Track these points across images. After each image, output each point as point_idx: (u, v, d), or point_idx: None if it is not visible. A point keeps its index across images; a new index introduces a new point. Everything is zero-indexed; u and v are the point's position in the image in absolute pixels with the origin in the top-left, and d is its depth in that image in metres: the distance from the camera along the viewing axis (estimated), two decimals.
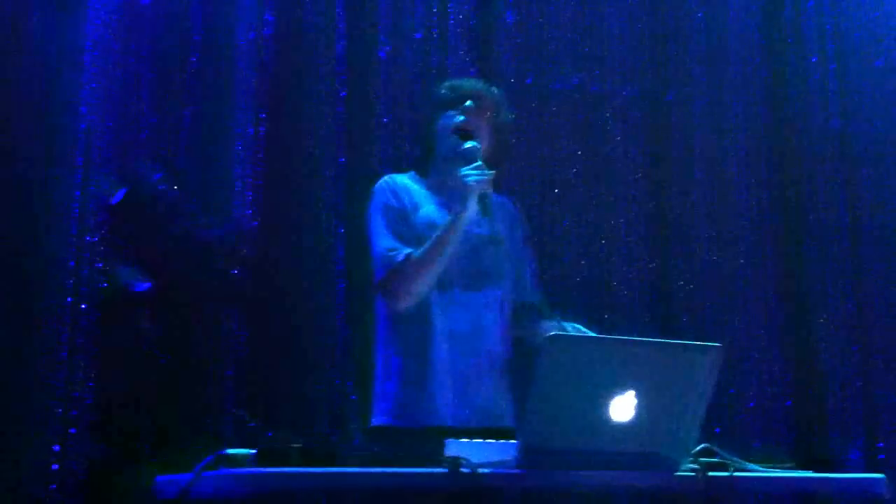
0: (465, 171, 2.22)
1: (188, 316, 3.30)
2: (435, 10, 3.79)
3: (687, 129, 4.19)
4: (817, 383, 4.14)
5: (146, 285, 3.14)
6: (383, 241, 2.28)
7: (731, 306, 4.09)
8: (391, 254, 2.25)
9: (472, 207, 2.21)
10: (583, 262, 3.87)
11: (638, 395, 1.64)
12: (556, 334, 1.65)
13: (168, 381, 3.18)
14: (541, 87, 3.98)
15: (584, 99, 4.05)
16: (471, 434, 2.00)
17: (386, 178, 2.40)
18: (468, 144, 2.28)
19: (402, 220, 2.31)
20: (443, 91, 2.42)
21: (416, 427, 2.23)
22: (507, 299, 2.37)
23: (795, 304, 4.19)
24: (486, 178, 2.21)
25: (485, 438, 1.76)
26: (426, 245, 2.23)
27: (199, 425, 3.15)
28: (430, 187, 2.40)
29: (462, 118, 2.31)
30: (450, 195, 2.30)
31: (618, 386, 1.64)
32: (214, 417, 3.23)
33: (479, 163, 2.24)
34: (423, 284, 2.23)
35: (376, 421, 2.31)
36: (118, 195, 3.17)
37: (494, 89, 2.45)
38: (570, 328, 2.28)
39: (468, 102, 2.32)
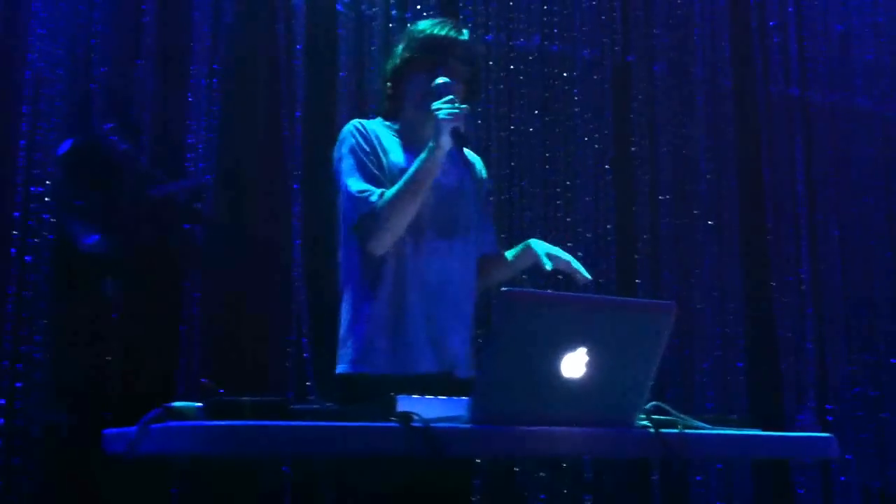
0: (438, 104, 2.16)
1: (142, 273, 3.24)
2: None
3: (648, 90, 4.19)
4: (770, 346, 4.20)
5: (94, 238, 3.07)
6: (356, 184, 2.22)
7: (689, 270, 4.13)
8: (365, 195, 2.20)
9: (447, 142, 2.15)
10: (542, 224, 3.87)
11: (590, 353, 1.63)
12: (508, 290, 1.62)
13: (125, 341, 3.13)
14: (502, 46, 3.95)
15: (546, 58, 4.02)
16: (442, 384, 1.98)
17: (355, 122, 2.33)
18: (440, 80, 2.22)
19: (374, 162, 2.26)
20: (418, 42, 2.31)
21: (384, 374, 2.20)
22: (474, 251, 2.35)
23: (751, 267, 4.24)
24: (459, 111, 2.16)
25: (449, 390, 1.73)
26: (400, 183, 2.18)
27: (157, 385, 3.12)
28: (399, 134, 2.33)
29: (442, 84, 2.22)
30: (420, 144, 2.23)
31: (570, 343, 1.63)
32: (169, 376, 3.19)
33: (452, 97, 2.18)
34: (399, 224, 2.18)
35: (342, 369, 2.27)
36: (65, 146, 3.09)
37: (466, 36, 2.35)
38: (539, 248, 2.28)
39: (442, 79, 2.22)
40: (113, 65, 3.30)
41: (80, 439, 2.96)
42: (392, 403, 1.61)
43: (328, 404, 1.69)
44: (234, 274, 3.38)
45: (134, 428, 1.56)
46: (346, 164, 2.27)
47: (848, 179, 4.47)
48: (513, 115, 3.91)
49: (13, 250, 2.99)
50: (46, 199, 3.06)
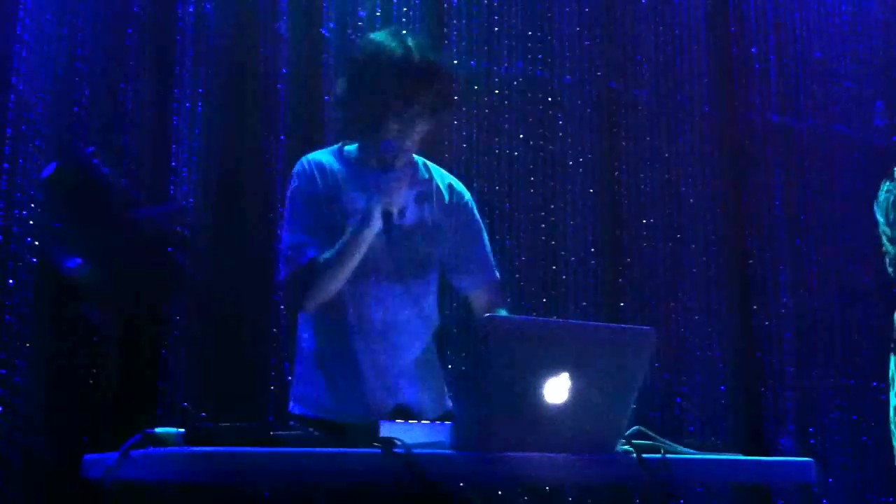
0: (375, 179, 2.09)
1: (124, 296, 3.23)
2: None
3: (633, 117, 4.22)
4: (752, 370, 4.22)
5: (77, 261, 3.06)
6: (290, 236, 2.16)
7: (671, 294, 4.14)
8: (293, 252, 2.14)
9: (377, 223, 2.08)
10: (525, 248, 3.88)
11: (572, 378, 1.64)
12: (491, 316, 1.63)
13: (105, 364, 3.11)
14: (486, 72, 3.97)
15: (531, 85, 4.05)
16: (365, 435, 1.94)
17: (305, 159, 2.24)
18: (386, 145, 2.11)
19: (317, 208, 2.17)
20: (366, 61, 2.15)
21: (324, 419, 2.15)
22: (433, 290, 2.27)
23: (733, 291, 4.26)
24: (394, 187, 2.07)
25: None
26: (328, 255, 2.10)
27: (136, 410, 3.09)
28: (353, 165, 2.23)
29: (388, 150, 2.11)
30: (374, 178, 2.14)
31: (552, 369, 1.64)
32: (151, 400, 3.17)
33: (393, 169, 2.09)
34: (322, 292, 2.12)
35: (292, 408, 2.25)
36: (49, 169, 3.08)
37: (418, 50, 2.14)
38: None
39: (386, 141, 2.09)
40: (97, 88, 3.30)
41: (59, 464, 2.93)
42: (375, 429, 1.61)
43: (310, 429, 1.69)
44: (217, 297, 3.36)
45: (114, 454, 1.56)
46: (287, 209, 2.20)
47: (828, 205, 4.51)
48: (496, 140, 3.93)
49: None
50: (30, 222, 3.04)
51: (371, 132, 2.16)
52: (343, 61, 2.42)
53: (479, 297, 2.31)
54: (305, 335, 2.25)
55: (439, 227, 2.27)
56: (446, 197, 2.31)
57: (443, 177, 2.35)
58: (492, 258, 2.35)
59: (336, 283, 2.12)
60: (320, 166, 2.23)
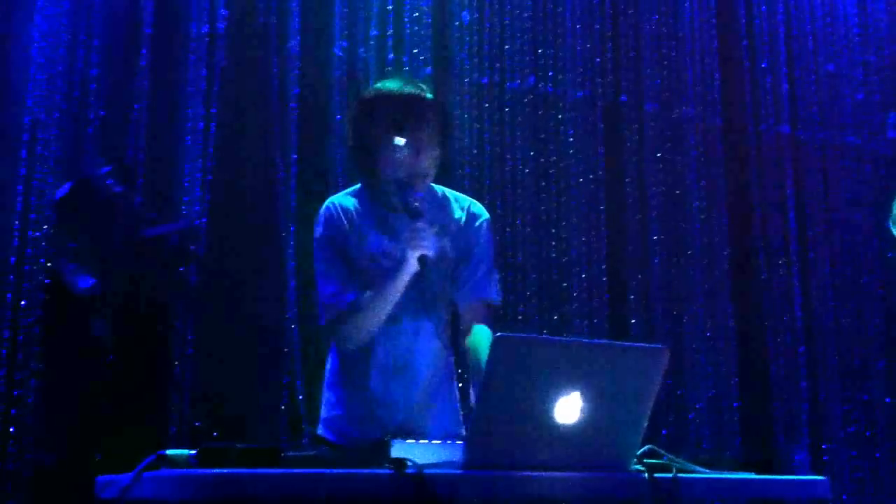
0: (406, 233, 2.16)
1: (136, 314, 3.25)
2: (390, 8, 3.78)
3: (640, 131, 4.22)
4: (764, 386, 4.20)
5: (91, 282, 3.08)
6: (327, 286, 2.25)
7: (681, 310, 4.13)
8: (333, 301, 2.23)
9: (412, 267, 2.16)
10: (535, 264, 3.88)
11: (584, 397, 1.64)
12: (502, 335, 1.63)
13: (116, 383, 3.13)
14: (496, 87, 3.99)
15: (539, 99, 4.06)
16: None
17: (330, 203, 2.32)
18: (396, 141, 2.19)
19: (345, 254, 2.26)
20: (381, 110, 2.24)
21: (340, 445, 2.24)
22: (444, 320, 2.34)
23: (744, 308, 4.25)
24: (425, 240, 2.15)
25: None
26: (367, 298, 2.20)
27: (147, 427, 3.11)
28: (375, 207, 2.32)
29: (404, 167, 2.19)
30: (395, 219, 2.26)
31: (564, 387, 1.64)
32: (162, 419, 3.18)
33: (420, 222, 2.16)
34: (366, 330, 2.22)
35: (320, 432, 2.31)
36: (63, 189, 3.11)
37: (429, 95, 2.28)
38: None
39: (397, 140, 2.18)
40: (110, 108, 3.33)
41: (70, 482, 2.94)
42: (386, 448, 1.61)
43: (322, 448, 1.70)
44: (227, 315, 3.38)
45: (127, 475, 1.57)
46: (318, 258, 2.28)
47: (839, 217, 4.50)
48: (507, 156, 3.94)
49: (9, 295, 3.00)
50: (44, 243, 3.07)
51: (380, 165, 2.25)
52: (350, 109, 2.52)
53: (466, 314, 2.35)
54: (331, 366, 2.34)
55: (455, 259, 2.34)
56: (462, 220, 2.37)
57: (460, 200, 2.41)
58: (494, 279, 2.38)
59: (375, 323, 2.22)
60: (346, 210, 2.31)
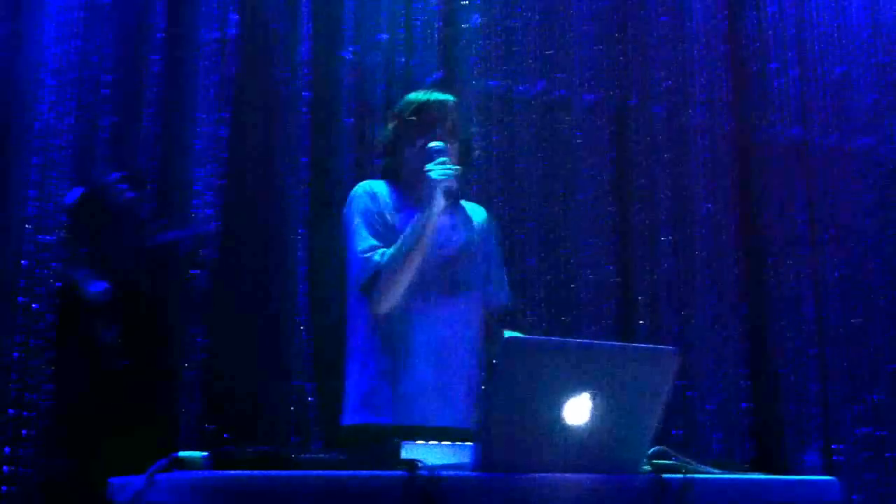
0: (430, 166, 2.25)
1: (147, 319, 3.26)
2: (400, 12, 3.79)
3: (649, 134, 4.22)
4: (775, 387, 4.19)
5: (102, 286, 3.10)
6: (362, 243, 2.29)
7: (691, 311, 4.13)
8: (370, 254, 2.27)
9: (440, 202, 2.22)
10: (545, 266, 3.89)
11: (594, 399, 1.65)
12: (511, 337, 1.65)
13: (128, 388, 3.14)
14: (505, 91, 4.00)
15: (548, 103, 4.07)
16: (446, 435, 2.00)
17: (363, 183, 2.43)
18: (433, 144, 2.30)
19: (380, 222, 2.32)
20: (411, 114, 2.41)
21: (391, 424, 2.23)
22: (478, 309, 2.39)
23: (754, 308, 4.24)
24: (450, 171, 2.23)
25: (454, 440, 1.76)
26: (398, 243, 2.24)
27: (159, 431, 3.12)
28: (403, 195, 2.40)
29: (435, 148, 2.32)
30: (422, 204, 2.30)
31: (574, 389, 1.64)
32: (173, 423, 3.20)
33: (444, 158, 2.26)
34: (400, 282, 2.24)
35: (348, 420, 2.30)
36: (75, 195, 3.13)
37: (452, 99, 2.45)
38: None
39: (438, 144, 2.32)
40: (121, 114, 3.35)
41: (82, 485, 2.96)
42: (396, 451, 1.62)
43: (333, 452, 1.71)
44: (238, 320, 3.39)
45: (140, 477, 1.58)
46: (354, 223, 2.33)
47: (848, 220, 4.49)
48: (515, 160, 3.95)
49: (21, 299, 3.02)
50: (56, 248, 3.09)
51: (418, 150, 2.36)
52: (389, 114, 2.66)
53: (491, 315, 2.44)
54: (370, 346, 2.33)
55: (480, 249, 2.42)
56: (477, 222, 2.47)
57: (471, 206, 2.51)
58: (506, 281, 2.44)
59: (408, 272, 2.24)
60: (376, 188, 2.41)
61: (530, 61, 4.07)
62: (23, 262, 3.05)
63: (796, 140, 4.49)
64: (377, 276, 2.24)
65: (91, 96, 3.31)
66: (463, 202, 2.46)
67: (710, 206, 4.25)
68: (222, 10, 3.55)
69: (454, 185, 2.24)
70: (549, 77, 4.09)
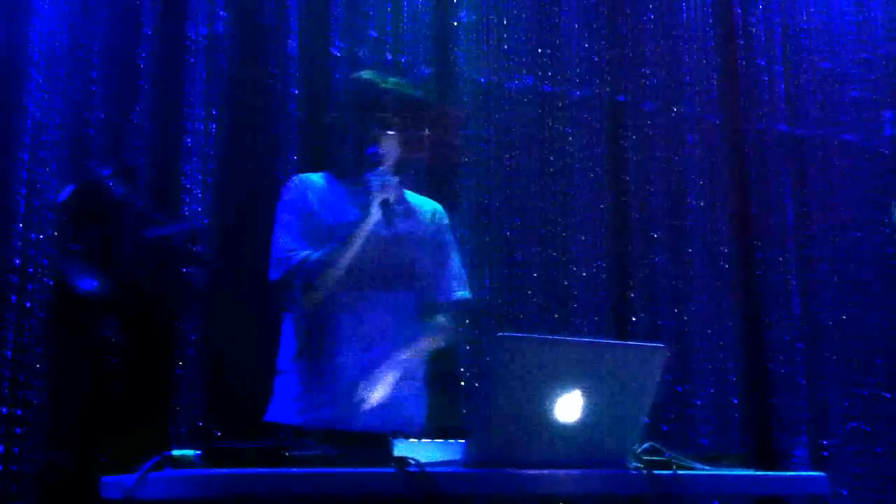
0: (369, 176, 2.20)
1: (140, 316, 3.26)
2: (389, 8, 3.79)
3: (640, 129, 4.24)
4: (764, 381, 4.22)
5: (93, 283, 3.09)
6: (282, 241, 2.25)
7: (681, 306, 4.15)
8: (288, 255, 2.22)
9: (375, 215, 2.18)
10: (536, 263, 3.90)
11: (584, 395, 1.66)
12: (502, 334, 1.65)
13: (122, 384, 3.14)
14: (495, 87, 4.00)
15: (539, 99, 4.07)
16: (358, 440, 1.97)
17: (295, 177, 2.38)
18: (374, 149, 2.26)
19: (307, 220, 2.27)
20: (359, 105, 2.33)
21: (311, 428, 2.22)
22: (416, 301, 2.34)
23: (744, 303, 4.26)
24: (389, 184, 2.19)
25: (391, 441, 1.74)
26: (324, 250, 2.19)
27: (153, 428, 3.12)
28: (342, 186, 2.35)
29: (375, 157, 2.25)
30: (360, 197, 2.27)
31: (564, 386, 1.65)
32: (169, 419, 3.19)
33: (383, 168, 2.22)
34: (318, 288, 2.19)
35: (270, 417, 2.29)
36: (65, 192, 3.12)
37: (419, 94, 2.40)
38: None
39: (378, 149, 2.25)
40: (110, 110, 3.34)
41: (75, 481, 2.95)
42: (388, 448, 1.63)
43: (325, 447, 1.71)
44: (231, 316, 3.39)
45: (133, 475, 1.58)
46: (278, 219, 2.30)
47: (837, 214, 4.51)
48: (506, 156, 3.96)
49: (13, 297, 3.01)
50: (47, 246, 3.08)
51: (356, 143, 2.31)
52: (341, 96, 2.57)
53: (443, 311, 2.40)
54: (292, 344, 2.29)
55: (424, 239, 2.37)
56: (428, 216, 2.43)
57: (419, 199, 2.46)
58: (463, 276, 2.40)
59: (328, 278, 2.19)
60: (310, 182, 2.36)
61: (520, 57, 4.07)
62: (15, 260, 3.04)
63: (784, 135, 4.51)
64: (292, 277, 2.19)
65: (79, 93, 3.30)
66: (424, 200, 2.43)
67: (700, 201, 4.27)
68: (210, 5, 3.54)
69: (392, 196, 2.19)
70: (539, 73, 4.10)
